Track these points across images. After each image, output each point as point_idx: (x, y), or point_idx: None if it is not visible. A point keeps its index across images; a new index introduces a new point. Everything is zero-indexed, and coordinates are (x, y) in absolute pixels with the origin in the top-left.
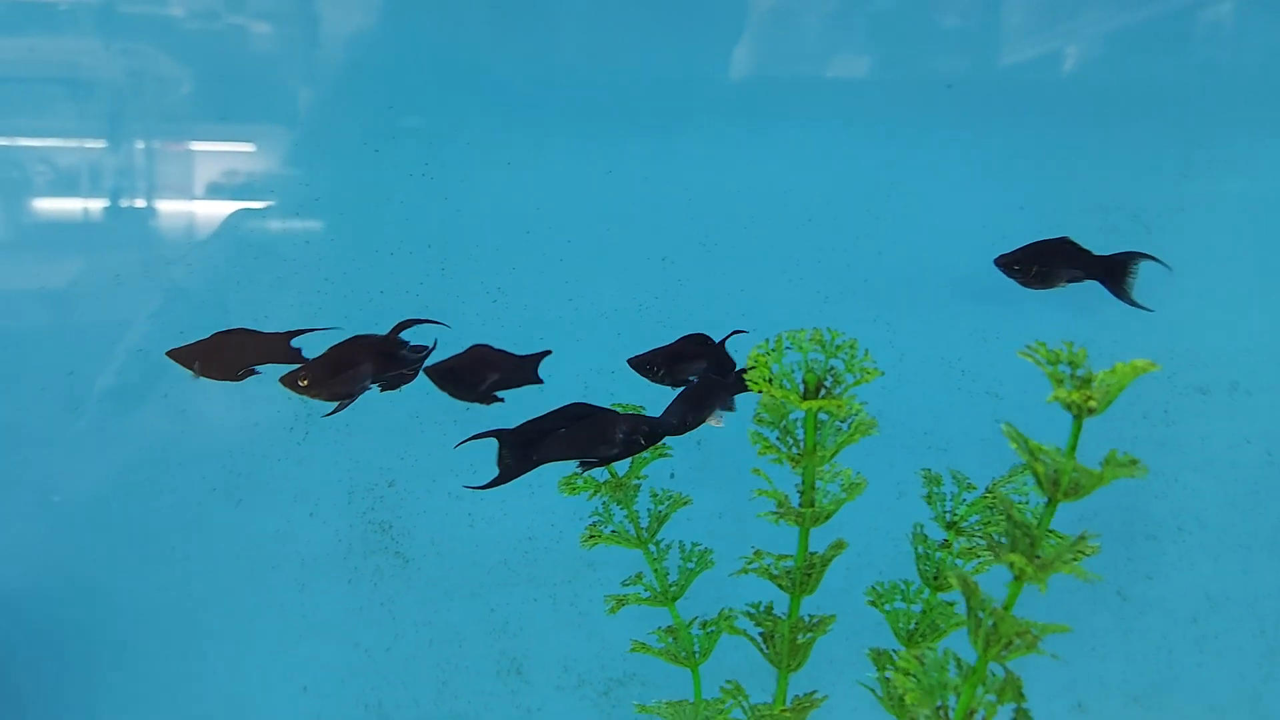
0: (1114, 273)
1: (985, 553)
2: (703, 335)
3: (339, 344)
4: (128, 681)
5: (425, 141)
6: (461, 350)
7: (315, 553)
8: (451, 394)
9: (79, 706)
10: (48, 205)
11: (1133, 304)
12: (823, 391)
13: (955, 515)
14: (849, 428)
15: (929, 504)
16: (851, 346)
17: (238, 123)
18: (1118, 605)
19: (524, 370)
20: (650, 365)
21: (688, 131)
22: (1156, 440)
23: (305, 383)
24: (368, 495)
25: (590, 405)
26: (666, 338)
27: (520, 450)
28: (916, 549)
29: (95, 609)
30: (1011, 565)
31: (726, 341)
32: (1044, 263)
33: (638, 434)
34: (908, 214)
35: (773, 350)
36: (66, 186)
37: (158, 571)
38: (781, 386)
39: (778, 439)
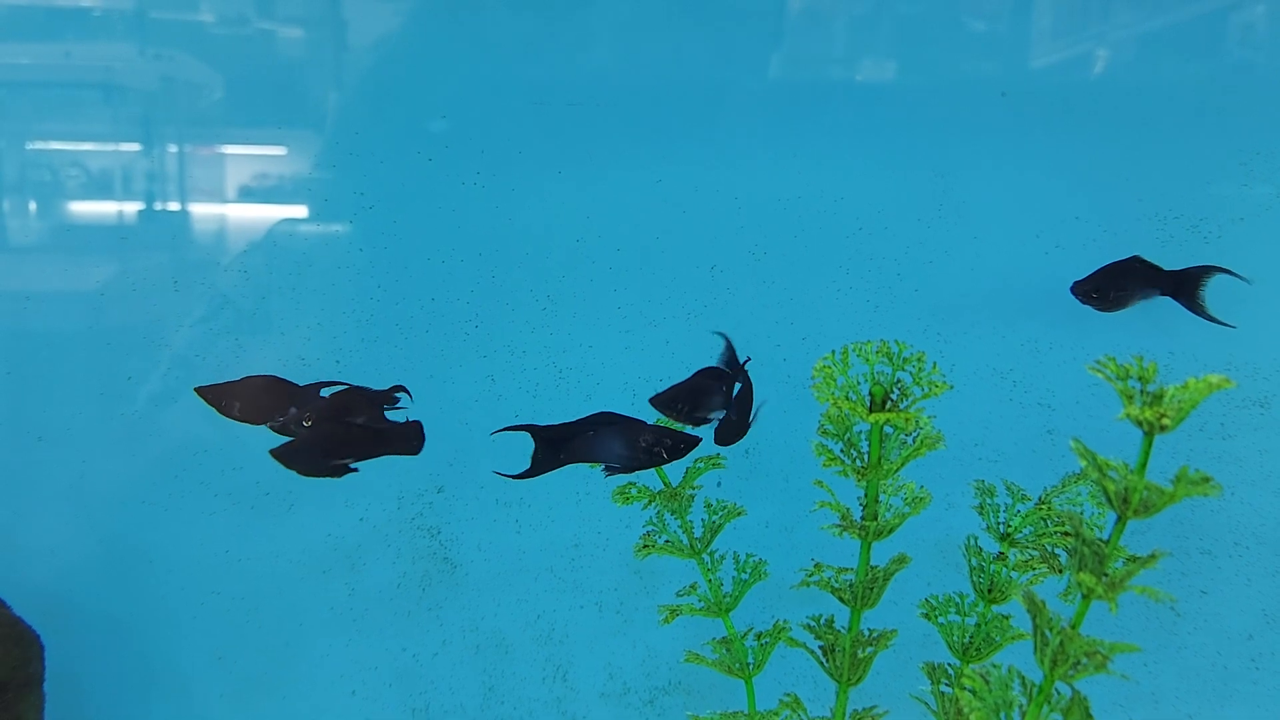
0: (1186, 288)
1: (1040, 565)
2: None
3: (341, 392)
4: (180, 681)
5: (477, 150)
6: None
7: (365, 557)
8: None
9: (135, 703)
10: (82, 208)
11: (1210, 319)
12: (889, 404)
13: (1009, 527)
14: (914, 441)
15: (981, 515)
16: (919, 359)
17: (281, 128)
18: (1171, 621)
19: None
20: (675, 403)
21: (737, 140)
22: (1213, 454)
23: (310, 424)
24: (417, 501)
25: (619, 415)
26: (714, 347)
27: (549, 448)
28: (970, 561)
29: (149, 609)
30: (1080, 584)
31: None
32: (1120, 285)
33: (660, 445)
34: (960, 224)
35: (839, 362)
36: (101, 189)
37: (211, 573)
38: (847, 399)
39: (841, 451)
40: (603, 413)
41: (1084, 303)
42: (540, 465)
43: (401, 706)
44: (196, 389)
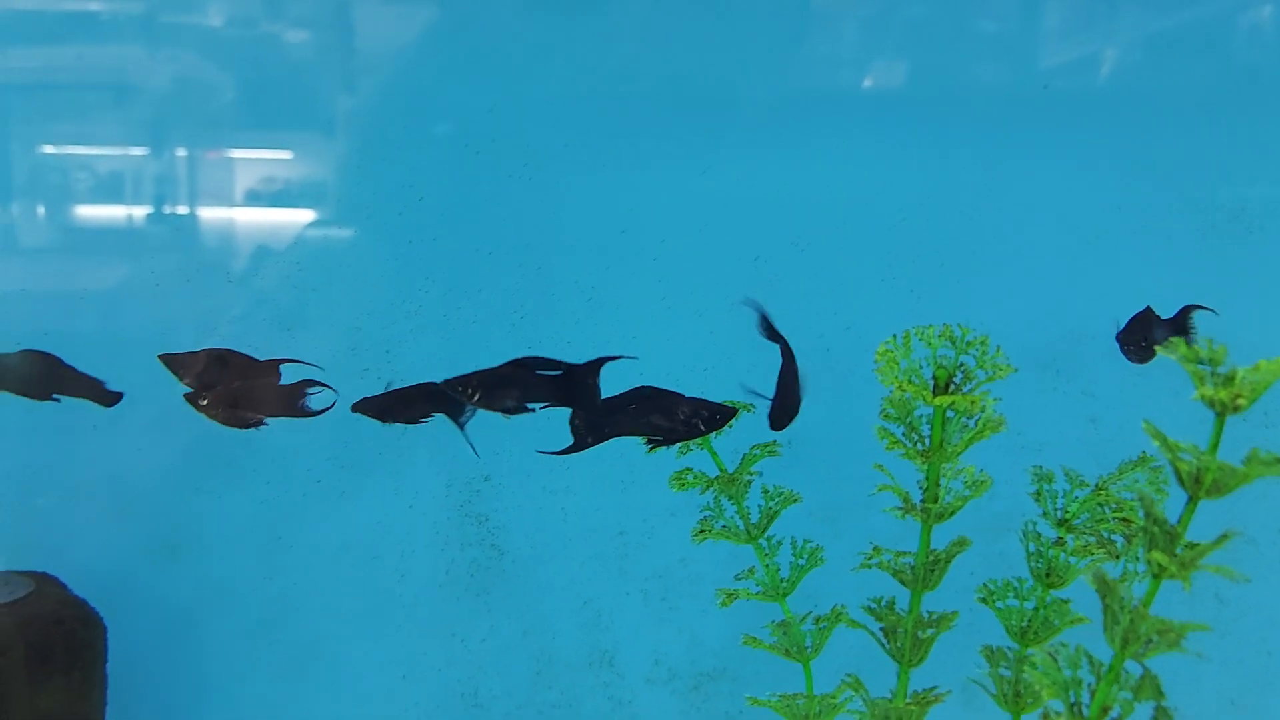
0: (1180, 330)
1: (1098, 550)
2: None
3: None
4: (233, 665)
5: (525, 143)
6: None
7: (414, 544)
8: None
9: (186, 687)
10: (104, 211)
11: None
12: (952, 388)
13: (1067, 513)
14: (976, 424)
15: (1038, 501)
16: (983, 343)
17: (333, 123)
18: (1215, 608)
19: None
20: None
21: (782, 131)
22: (1254, 442)
23: (205, 403)
24: (465, 489)
25: (658, 388)
26: (757, 336)
27: (593, 421)
28: (1028, 546)
29: (203, 595)
30: (1152, 563)
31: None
32: (1153, 334)
33: (697, 416)
34: (1002, 213)
35: (900, 345)
36: (126, 191)
37: (265, 559)
38: (910, 382)
39: (903, 435)
40: (642, 387)
41: (1127, 353)
42: (584, 440)
43: (451, 691)
44: (160, 356)
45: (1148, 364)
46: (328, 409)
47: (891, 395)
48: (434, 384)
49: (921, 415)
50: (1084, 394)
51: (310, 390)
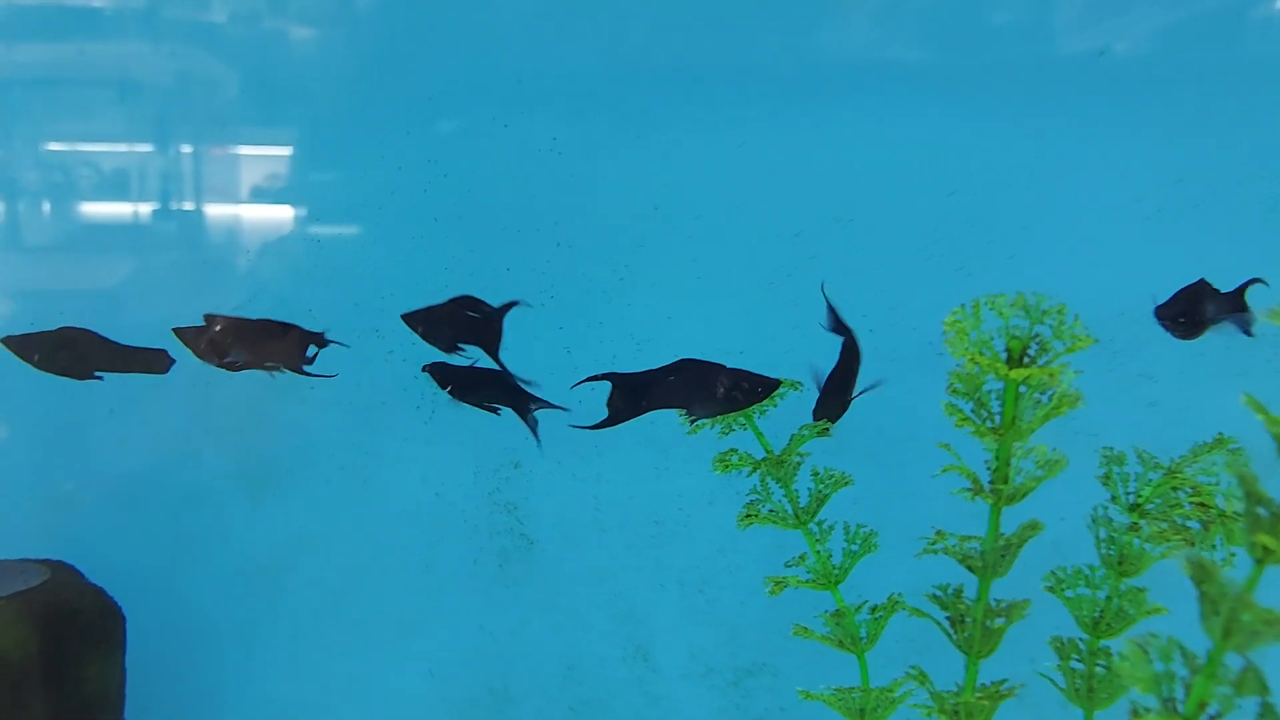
0: (1238, 306)
1: (1174, 536)
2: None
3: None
4: (254, 659)
5: (554, 118)
6: None
7: (441, 534)
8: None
9: (206, 679)
10: (116, 207)
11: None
12: (1026, 360)
13: (1139, 497)
14: (1050, 400)
15: (1106, 485)
16: (1060, 311)
17: (359, 93)
18: None
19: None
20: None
21: (821, 104)
22: None
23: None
24: (493, 476)
25: (697, 360)
26: (798, 316)
27: (630, 395)
28: (1098, 533)
29: (223, 586)
30: (1256, 547)
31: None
32: (1202, 309)
33: (738, 388)
34: (1056, 186)
35: (970, 316)
36: (133, 187)
37: (287, 550)
38: (981, 355)
39: (972, 411)
40: (682, 359)
41: (1168, 328)
42: (620, 414)
43: (480, 686)
44: (174, 329)
45: (1198, 342)
46: (311, 358)
47: (961, 369)
48: (507, 374)
49: (991, 390)
50: (1142, 375)
51: (313, 347)
